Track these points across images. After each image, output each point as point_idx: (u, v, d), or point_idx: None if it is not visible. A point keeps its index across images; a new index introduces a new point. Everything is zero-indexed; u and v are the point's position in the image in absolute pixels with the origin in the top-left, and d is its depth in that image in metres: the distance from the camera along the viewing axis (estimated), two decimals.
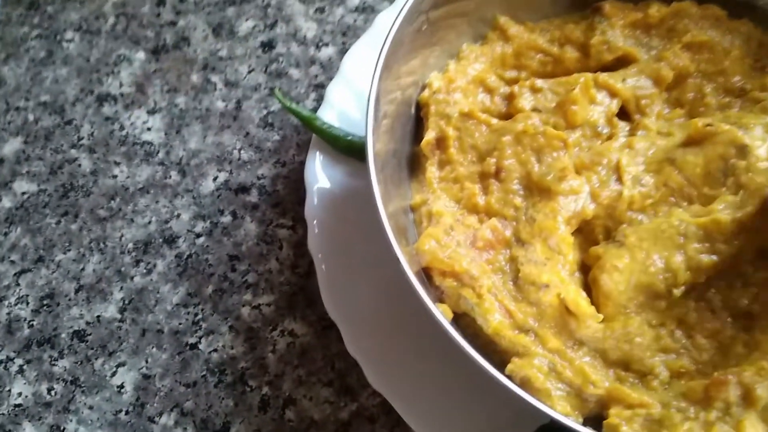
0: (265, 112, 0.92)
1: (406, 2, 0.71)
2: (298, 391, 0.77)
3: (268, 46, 0.97)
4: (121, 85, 0.95)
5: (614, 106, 0.77)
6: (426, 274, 0.70)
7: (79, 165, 0.90)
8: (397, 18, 0.70)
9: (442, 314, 0.60)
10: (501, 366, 0.66)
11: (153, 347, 0.80)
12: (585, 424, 0.64)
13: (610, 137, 0.76)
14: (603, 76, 0.77)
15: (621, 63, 0.80)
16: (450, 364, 0.69)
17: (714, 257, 0.65)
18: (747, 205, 0.65)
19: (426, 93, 0.77)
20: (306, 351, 0.79)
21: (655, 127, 0.76)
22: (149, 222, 0.87)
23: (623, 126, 0.77)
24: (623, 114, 0.79)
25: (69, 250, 0.85)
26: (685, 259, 0.65)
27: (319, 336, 0.79)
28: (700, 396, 0.61)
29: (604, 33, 0.80)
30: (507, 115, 0.78)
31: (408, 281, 0.60)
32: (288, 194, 0.87)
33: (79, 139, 0.92)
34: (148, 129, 0.92)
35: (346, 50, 0.92)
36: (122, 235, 0.86)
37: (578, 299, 0.66)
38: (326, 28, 0.98)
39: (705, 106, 0.77)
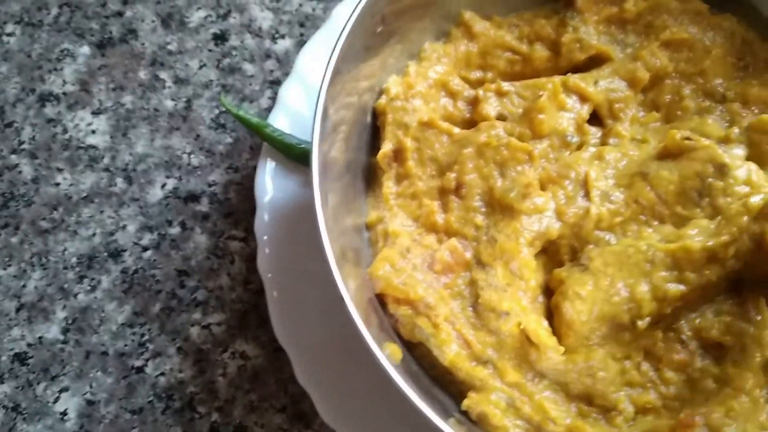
0: (216, 112, 0.86)
1: (358, 2, 0.64)
2: (249, 417, 0.73)
3: (220, 38, 0.91)
4: (64, 83, 0.89)
5: (585, 112, 0.71)
6: (380, 300, 0.65)
7: (20, 172, 0.85)
8: (350, 18, 0.64)
9: (387, 359, 0.55)
10: (459, 397, 0.62)
11: (98, 371, 0.76)
12: None
13: (580, 146, 0.71)
14: (574, 79, 0.71)
15: (594, 62, 0.75)
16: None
17: (682, 287, 0.60)
18: (722, 233, 0.60)
19: (383, 100, 0.71)
20: (258, 374, 0.75)
21: (629, 134, 0.71)
22: (93, 234, 0.81)
23: (595, 132, 0.72)
24: (596, 118, 0.73)
25: (9, 266, 0.80)
26: (651, 288, 0.61)
27: (271, 358, 0.75)
28: None
29: (576, 30, 0.74)
30: (471, 122, 0.73)
31: (352, 321, 0.55)
32: (241, 202, 0.81)
33: (20, 143, 0.86)
34: (93, 132, 0.86)
35: (304, 42, 0.85)
36: (65, 249, 0.81)
37: (539, 329, 0.61)
38: (283, 18, 0.91)
39: (683, 110, 0.72)
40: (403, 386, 0.53)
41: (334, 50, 0.62)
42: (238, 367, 0.75)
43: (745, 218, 0.60)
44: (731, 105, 0.71)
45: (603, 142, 0.71)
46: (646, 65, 0.72)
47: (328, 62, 0.61)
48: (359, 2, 0.64)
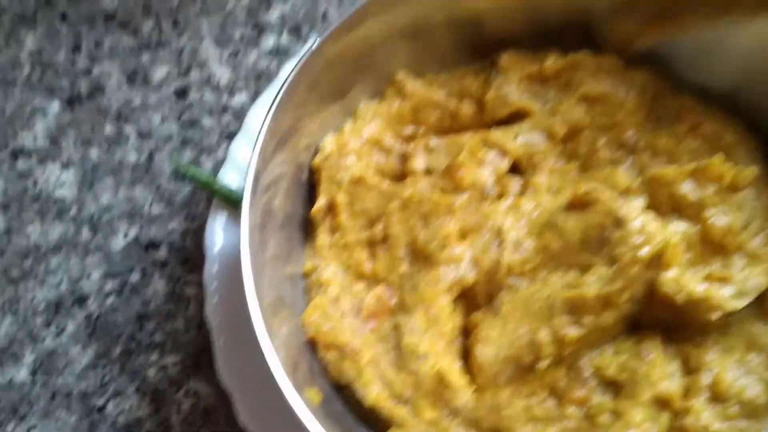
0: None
1: (295, 66, 0.70)
2: None
3: (181, 93, 0.97)
4: (35, 138, 0.96)
5: (504, 165, 0.77)
6: (312, 345, 0.71)
7: None
8: (284, 83, 0.70)
9: (306, 402, 0.60)
10: None
11: (62, 410, 0.82)
12: None
13: (500, 196, 0.76)
14: (494, 135, 0.77)
15: (517, 116, 0.80)
16: None
17: (580, 330, 0.65)
18: (616, 280, 0.65)
19: (318, 158, 0.77)
20: (209, 412, 0.80)
21: (546, 184, 0.76)
22: (60, 282, 0.88)
23: (516, 182, 0.78)
24: (518, 169, 0.79)
25: None
26: (551, 332, 0.66)
27: (222, 396, 0.80)
28: None
29: (499, 88, 0.80)
30: (403, 176, 0.78)
31: (267, 366, 0.60)
32: (196, 250, 0.87)
33: None
34: (62, 184, 0.93)
35: (258, 96, 0.91)
36: (34, 296, 0.87)
37: (451, 371, 0.67)
38: (240, 73, 0.98)
39: (598, 161, 0.77)
40: (313, 427, 0.59)
41: (267, 113, 0.68)
42: (191, 405, 0.81)
43: (637, 267, 0.65)
44: (641, 156, 0.76)
45: (522, 192, 0.77)
46: (563, 119, 0.78)
47: (261, 126, 0.67)
48: (293, 68, 0.70)
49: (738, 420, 0.66)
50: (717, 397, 0.66)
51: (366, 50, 0.77)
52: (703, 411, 0.65)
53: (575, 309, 0.66)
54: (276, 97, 0.68)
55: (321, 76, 0.74)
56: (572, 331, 0.66)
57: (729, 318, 0.70)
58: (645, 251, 0.65)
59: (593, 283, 0.67)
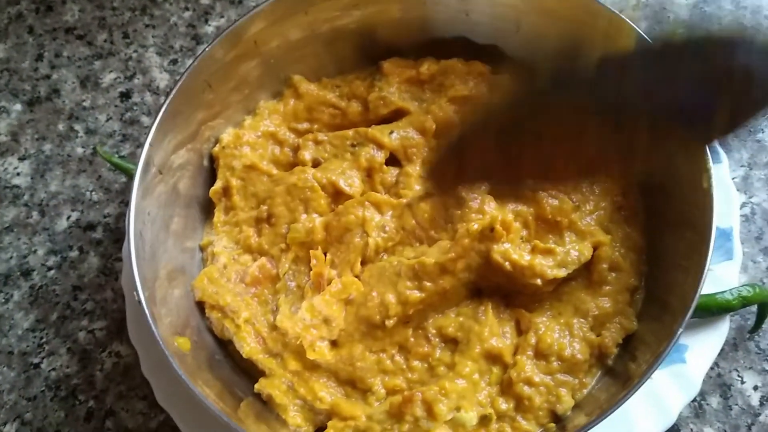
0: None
1: (188, 68, 0.82)
2: (118, 404, 0.91)
3: (125, 96, 1.10)
4: None
5: (380, 156, 0.88)
6: (200, 306, 0.83)
7: None
8: (177, 82, 0.82)
9: (172, 352, 0.72)
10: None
11: (4, 366, 0.94)
12: None
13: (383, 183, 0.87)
14: (372, 131, 0.88)
15: (397, 115, 0.91)
16: None
17: (420, 293, 0.76)
18: (452, 251, 0.76)
19: (217, 148, 0.89)
20: (128, 369, 0.92)
21: (416, 173, 0.87)
22: (11, 257, 1.01)
23: (393, 171, 0.89)
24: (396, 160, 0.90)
25: None
26: (397, 295, 0.77)
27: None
28: (396, 410, 0.73)
29: (381, 90, 0.91)
30: (295, 165, 0.90)
31: (144, 314, 0.72)
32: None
33: None
34: (18, 174, 1.06)
35: None
36: None
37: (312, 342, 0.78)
38: (177, 78, 1.10)
39: None
40: (183, 376, 0.69)
41: (161, 106, 0.80)
42: (113, 364, 0.93)
43: (469, 240, 0.76)
44: None
45: (397, 181, 0.88)
46: (434, 117, 0.89)
47: (156, 117, 0.79)
48: (185, 70, 0.82)
49: (559, 374, 0.77)
50: (540, 353, 0.77)
51: (265, 56, 0.90)
52: (526, 364, 0.75)
53: (417, 276, 0.77)
54: (168, 95, 0.80)
55: (217, 79, 0.86)
56: (415, 294, 0.77)
57: (561, 287, 0.80)
58: (475, 226, 0.76)
59: (433, 254, 0.78)
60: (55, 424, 0.91)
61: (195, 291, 0.82)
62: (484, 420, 0.73)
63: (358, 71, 0.95)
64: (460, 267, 0.76)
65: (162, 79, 1.11)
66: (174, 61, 1.12)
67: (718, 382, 0.85)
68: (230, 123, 0.91)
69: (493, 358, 0.77)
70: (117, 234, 1.01)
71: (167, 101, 0.80)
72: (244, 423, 0.70)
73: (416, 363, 0.77)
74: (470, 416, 0.72)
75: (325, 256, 0.82)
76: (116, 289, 0.97)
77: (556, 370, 0.76)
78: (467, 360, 0.75)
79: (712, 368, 0.84)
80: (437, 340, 0.78)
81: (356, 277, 0.81)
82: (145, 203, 0.79)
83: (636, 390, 0.68)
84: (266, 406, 0.78)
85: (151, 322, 0.71)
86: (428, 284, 0.76)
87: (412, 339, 0.78)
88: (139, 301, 0.72)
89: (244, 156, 0.88)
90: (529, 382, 0.74)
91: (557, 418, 0.74)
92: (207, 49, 0.82)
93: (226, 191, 0.88)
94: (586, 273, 0.80)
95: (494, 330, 0.77)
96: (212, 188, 0.87)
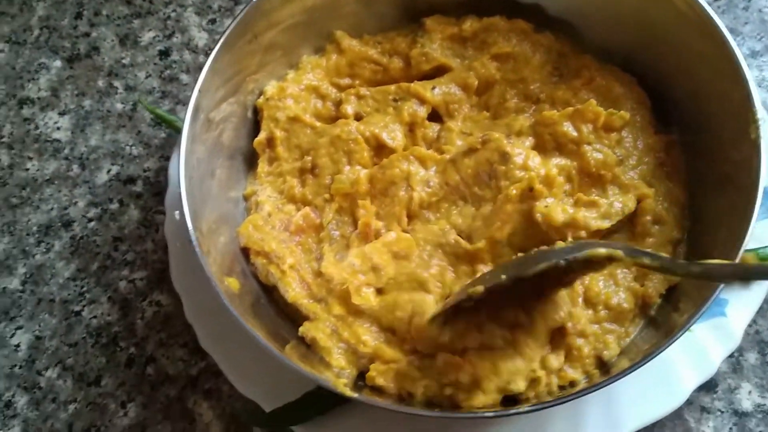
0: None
1: (232, 21, 0.83)
2: (158, 351, 0.92)
3: (164, 54, 1.11)
4: (39, 89, 1.11)
5: (423, 111, 0.89)
6: (245, 253, 0.84)
7: None
8: (222, 35, 0.83)
9: (226, 287, 0.73)
10: None
11: (46, 314, 0.96)
12: (359, 377, 0.77)
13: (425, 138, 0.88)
14: (415, 86, 0.89)
15: (439, 71, 0.92)
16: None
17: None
18: (494, 218, 0.77)
19: (261, 99, 0.90)
20: (168, 318, 0.94)
21: (459, 129, 0.88)
22: (52, 209, 1.02)
23: (435, 127, 0.89)
24: (438, 116, 0.91)
25: None
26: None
27: (179, 305, 0.93)
28: (439, 368, 0.73)
29: (423, 46, 0.92)
30: (337, 119, 0.91)
31: (197, 257, 0.73)
32: (167, 185, 1.01)
33: (1, 137, 1.08)
34: (58, 128, 1.08)
35: None
36: (29, 220, 1.02)
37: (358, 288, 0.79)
38: (215, 37, 1.12)
39: (506, 110, 0.89)
40: (234, 312, 0.71)
41: (207, 60, 0.81)
42: (153, 313, 0.94)
43: (509, 205, 0.76)
44: (542, 105, 0.88)
45: (438, 136, 0.89)
46: (476, 74, 0.90)
47: (203, 69, 0.81)
48: (231, 23, 0.83)
49: (606, 322, 0.77)
50: (588, 301, 0.77)
51: (309, 11, 0.91)
52: (581, 317, 0.76)
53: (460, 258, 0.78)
54: (216, 45, 0.81)
55: (263, 31, 0.87)
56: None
57: (605, 239, 0.81)
58: (515, 191, 0.77)
59: (478, 230, 0.79)
60: (96, 370, 0.92)
61: (240, 237, 0.83)
62: (532, 383, 0.73)
63: (399, 28, 0.96)
64: (505, 233, 0.77)
65: (201, 38, 1.12)
66: (212, 21, 1.13)
67: (756, 339, 0.85)
68: (273, 76, 0.92)
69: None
70: (156, 187, 1.02)
71: (216, 48, 0.81)
72: (292, 360, 0.71)
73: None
74: (519, 386, 0.71)
75: None
76: (156, 240, 0.99)
77: (603, 318, 0.77)
78: (529, 339, 0.74)
79: (750, 325, 0.85)
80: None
81: (404, 231, 0.82)
82: (192, 149, 0.80)
83: (677, 337, 0.69)
84: (310, 349, 0.79)
85: (202, 259, 0.72)
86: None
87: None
88: (190, 240, 0.73)
89: (287, 108, 0.89)
90: (582, 334, 0.74)
91: (602, 364, 0.75)
92: (250, 3, 0.83)
93: (270, 142, 0.89)
94: (629, 225, 0.81)
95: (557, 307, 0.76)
96: (256, 139, 0.88)
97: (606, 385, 0.67)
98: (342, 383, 0.71)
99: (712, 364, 0.78)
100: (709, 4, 0.80)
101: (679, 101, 0.86)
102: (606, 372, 0.74)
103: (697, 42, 0.80)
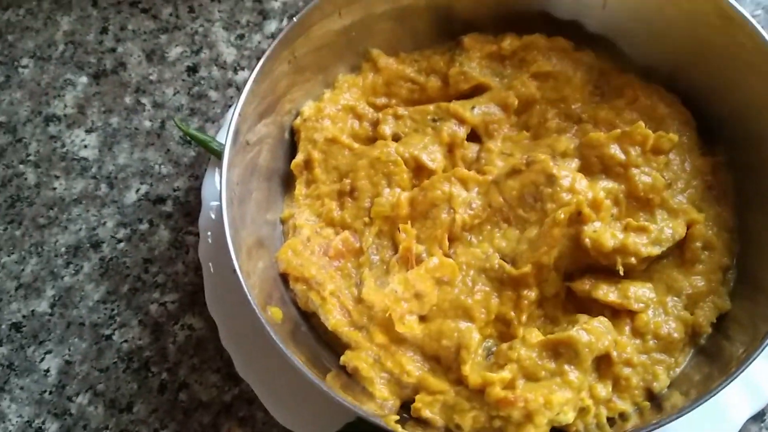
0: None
1: (274, 41, 0.82)
2: (191, 376, 0.90)
3: (192, 70, 1.10)
4: (65, 106, 1.09)
5: (462, 132, 0.87)
6: (284, 279, 0.82)
7: (26, 178, 1.04)
8: (264, 55, 0.81)
9: (269, 318, 0.71)
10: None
11: (75, 338, 0.94)
12: (402, 408, 0.75)
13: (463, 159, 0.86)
14: (454, 106, 0.87)
15: (477, 90, 0.90)
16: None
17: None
18: (540, 243, 0.75)
19: (298, 120, 0.88)
20: (201, 342, 0.92)
21: (499, 149, 0.86)
22: (80, 229, 1.00)
23: (474, 148, 0.88)
24: (477, 137, 0.89)
25: (12, 253, 1.00)
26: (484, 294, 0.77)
27: (212, 329, 0.92)
28: (491, 402, 0.71)
29: (461, 65, 0.90)
30: (374, 140, 0.89)
31: (243, 290, 0.71)
32: (198, 204, 0.99)
33: (27, 155, 1.06)
34: (85, 146, 1.06)
35: None
36: (57, 240, 1.00)
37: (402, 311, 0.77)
38: (244, 53, 1.10)
39: (546, 130, 0.87)
40: (278, 341, 0.69)
41: (249, 79, 0.79)
42: (186, 337, 0.93)
43: (556, 229, 0.75)
44: (585, 125, 0.86)
45: (478, 157, 0.87)
46: (516, 93, 0.88)
47: (242, 91, 0.79)
48: (271, 45, 0.81)
49: (655, 353, 0.75)
50: (636, 331, 0.75)
51: (345, 30, 0.89)
52: (627, 346, 0.74)
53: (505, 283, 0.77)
54: (256, 67, 0.80)
55: (301, 50, 0.86)
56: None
57: (652, 266, 0.79)
58: (563, 215, 0.75)
59: (523, 254, 0.77)
60: (128, 396, 0.90)
61: (279, 263, 0.81)
62: (581, 412, 0.71)
63: (435, 46, 0.94)
64: (552, 257, 0.75)
65: (229, 54, 1.10)
66: (241, 36, 1.11)
67: None
68: (309, 96, 0.90)
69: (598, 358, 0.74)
70: (187, 207, 1.00)
71: (257, 69, 0.79)
72: (334, 391, 0.70)
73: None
74: (568, 417, 0.70)
75: None
76: (187, 262, 0.97)
77: (652, 348, 0.75)
78: (576, 369, 0.72)
79: None
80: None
81: (446, 255, 0.80)
82: (231, 173, 0.78)
83: (737, 375, 0.67)
84: (351, 378, 0.77)
85: (247, 289, 0.71)
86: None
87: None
88: (234, 270, 0.71)
89: (325, 129, 0.87)
90: (629, 363, 0.72)
91: (651, 396, 0.73)
92: (295, 19, 0.81)
93: (308, 164, 0.87)
94: (677, 251, 0.79)
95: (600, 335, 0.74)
96: (294, 161, 0.87)
97: (665, 424, 0.65)
98: (393, 419, 0.69)
99: (765, 394, 0.76)
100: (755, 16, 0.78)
101: (726, 119, 0.84)
102: (657, 405, 0.72)
103: (749, 55, 0.78)
